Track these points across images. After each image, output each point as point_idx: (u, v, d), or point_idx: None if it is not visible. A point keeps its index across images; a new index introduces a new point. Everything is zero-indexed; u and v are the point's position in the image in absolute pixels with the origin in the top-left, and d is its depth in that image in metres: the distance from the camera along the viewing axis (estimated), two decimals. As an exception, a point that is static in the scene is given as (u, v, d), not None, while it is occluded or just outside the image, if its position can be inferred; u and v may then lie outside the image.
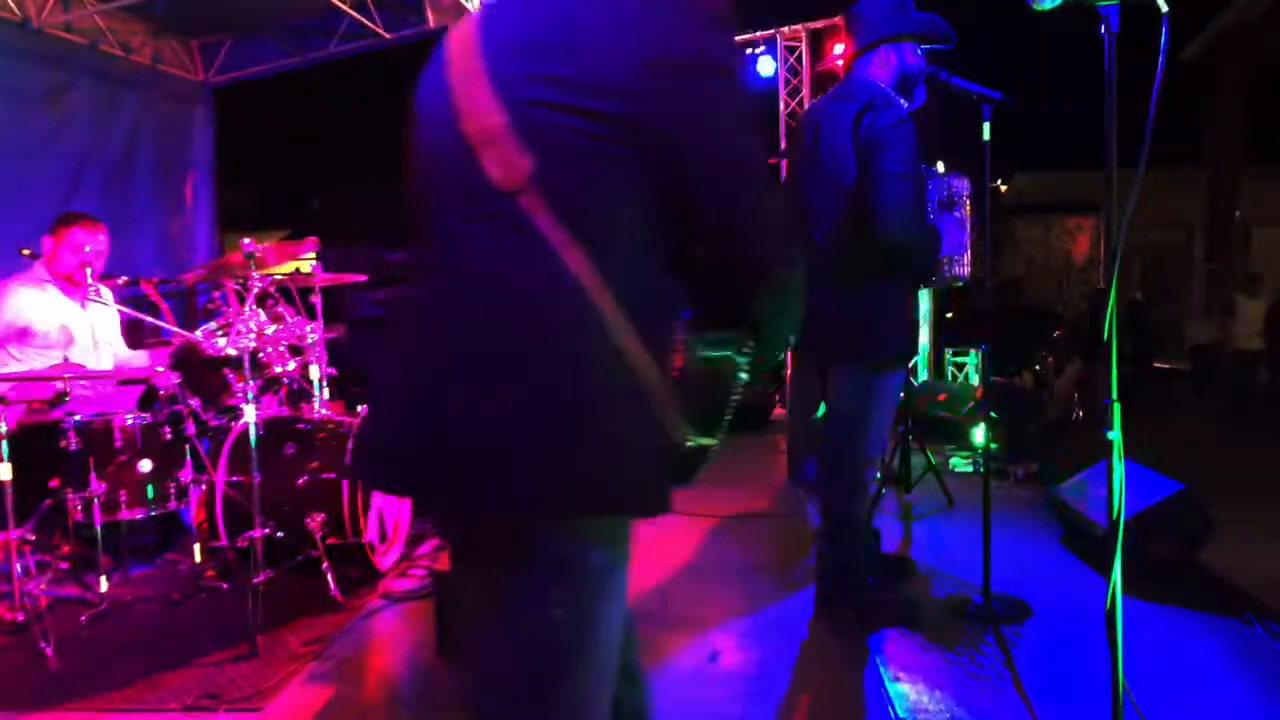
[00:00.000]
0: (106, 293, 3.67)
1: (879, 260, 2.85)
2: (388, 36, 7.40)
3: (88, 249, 3.74)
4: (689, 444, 1.24)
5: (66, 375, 3.29)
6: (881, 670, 2.85)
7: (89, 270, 3.48)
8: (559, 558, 1.19)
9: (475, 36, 1.23)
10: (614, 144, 1.13)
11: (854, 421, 3.07)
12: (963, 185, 3.18)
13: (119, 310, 3.82)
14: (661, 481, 1.20)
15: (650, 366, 1.16)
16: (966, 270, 3.31)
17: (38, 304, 3.71)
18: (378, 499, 3.79)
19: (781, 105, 8.08)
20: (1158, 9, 1.75)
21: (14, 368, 3.62)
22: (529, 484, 1.12)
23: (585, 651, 1.22)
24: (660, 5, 1.15)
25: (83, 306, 3.84)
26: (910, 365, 3.55)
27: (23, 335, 3.66)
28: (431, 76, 1.30)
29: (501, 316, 1.16)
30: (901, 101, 2.99)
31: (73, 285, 3.77)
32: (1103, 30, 1.86)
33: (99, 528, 3.17)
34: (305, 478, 3.55)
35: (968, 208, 3.24)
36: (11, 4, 5.36)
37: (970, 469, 5.87)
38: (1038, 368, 7.30)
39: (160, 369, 3.56)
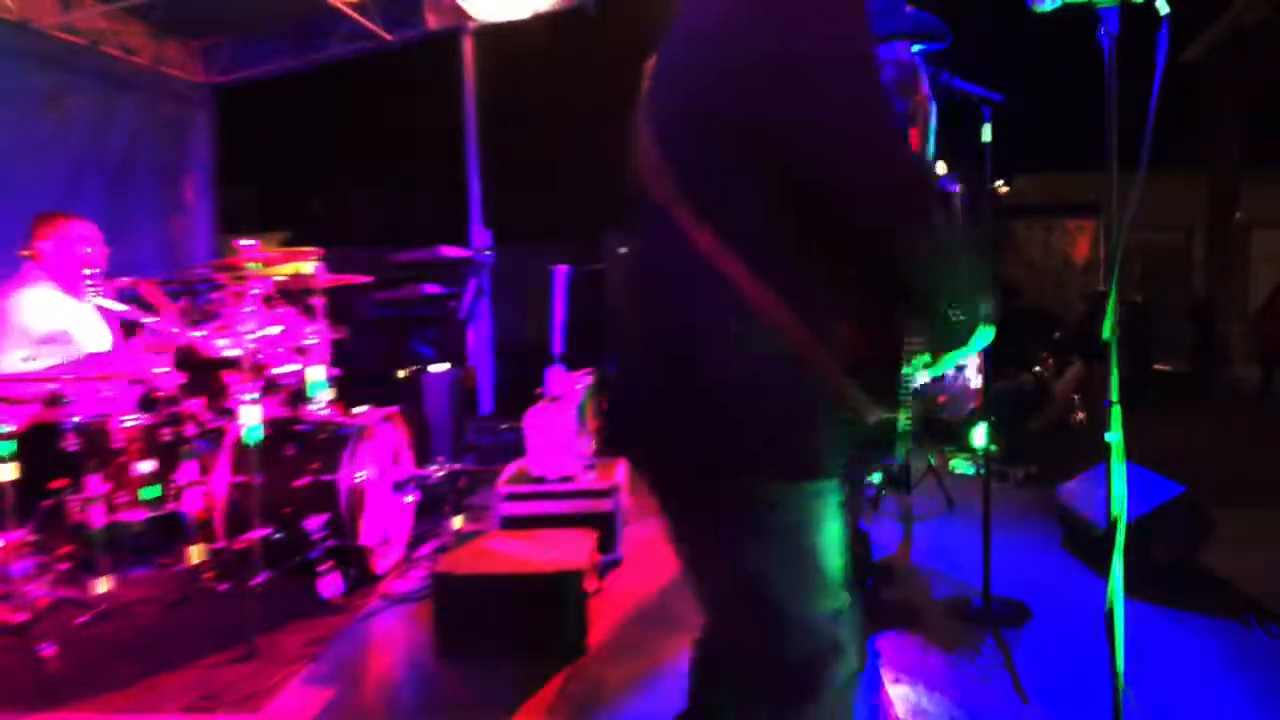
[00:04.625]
0: (97, 298, 3.65)
1: None
2: (388, 37, 7.40)
3: (88, 249, 3.73)
4: (872, 419, 1.35)
5: (67, 375, 3.29)
6: (881, 671, 2.85)
7: (91, 270, 3.48)
8: (742, 517, 1.35)
9: None
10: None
11: None
12: (953, 189, 3.19)
13: (120, 310, 3.81)
14: (813, 449, 1.32)
15: (812, 346, 1.27)
16: None
17: (44, 306, 3.70)
18: (375, 501, 3.79)
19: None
20: (1158, 11, 1.75)
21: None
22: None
23: (788, 588, 1.38)
24: None
25: (83, 305, 3.82)
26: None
27: (49, 339, 3.65)
28: None
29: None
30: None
31: (73, 281, 3.74)
32: (1103, 32, 1.86)
33: (98, 529, 3.17)
34: (304, 479, 3.54)
35: (959, 215, 3.25)
36: (11, 4, 5.37)
37: (971, 471, 5.86)
38: (1038, 369, 7.28)
39: (163, 369, 3.56)
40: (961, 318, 1.38)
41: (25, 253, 3.69)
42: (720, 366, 1.28)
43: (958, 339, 1.42)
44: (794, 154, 1.24)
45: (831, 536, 1.38)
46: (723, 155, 1.27)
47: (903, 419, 1.39)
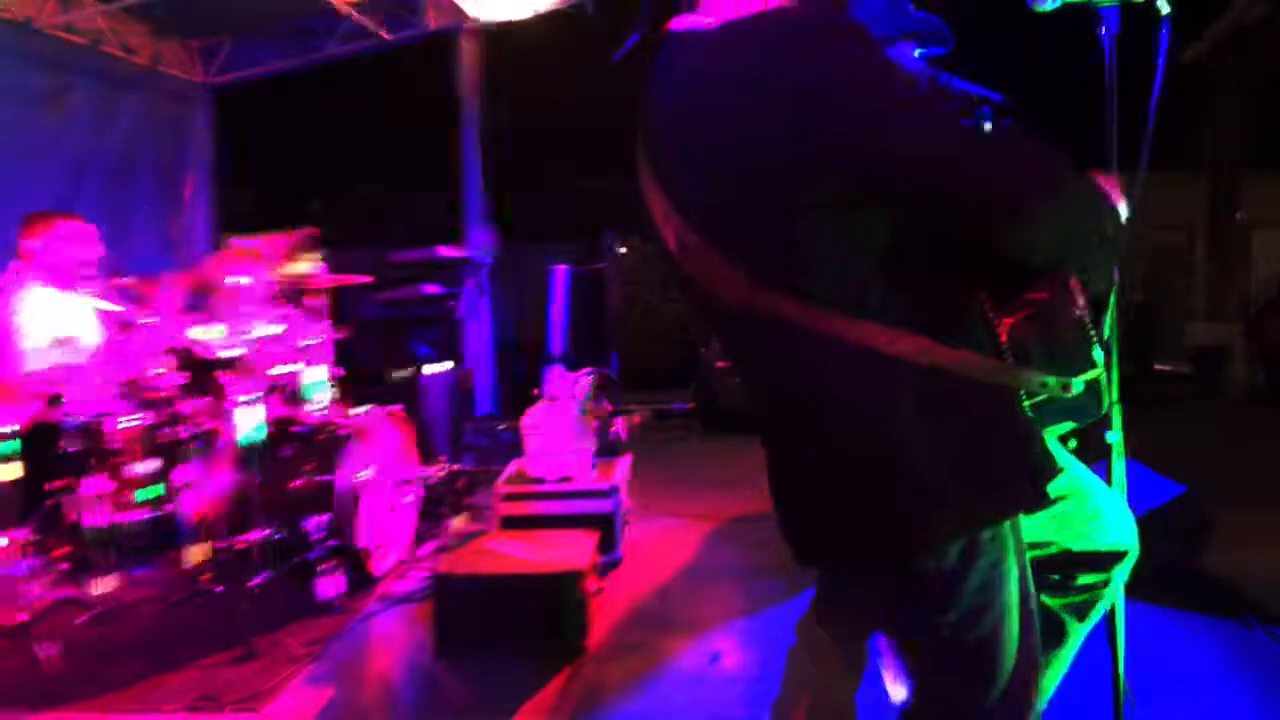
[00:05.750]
0: (92, 299, 3.63)
1: None
2: (388, 37, 7.40)
3: (81, 248, 3.71)
4: (1077, 388, 1.28)
5: (66, 375, 3.28)
6: (882, 672, 2.85)
7: (84, 269, 3.47)
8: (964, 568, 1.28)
9: None
10: None
11: None
12: None
13: (117, 309, 3.81)
14: (1030, 467, 1.26)
15: (976, 362, 1.22)
16: None
17: (34, 305, 3.69)
18: (375, 501, 3.78)
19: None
20: (1158, 11, 1.75)
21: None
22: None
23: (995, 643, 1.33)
24: None
25: (78, 304, 3.81)
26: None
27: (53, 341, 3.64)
28: None
29: None
30: None
31: (66, 281, 3.72)
32: (1103, 32, 1.86)
33: (99, 529, 3.17)
34: (304, 479, 3.54)
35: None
36: (11, 4, 5.37)
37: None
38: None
39: (160, 370, 3.55)
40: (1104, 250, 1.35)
41: (19, 253, 3.68)
42: (899, 437, 1.21)
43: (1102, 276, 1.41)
44: (883, 195, 1.18)
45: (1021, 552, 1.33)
46: (808, 230, 1.20)
47: (1100, 372, 1.33)
